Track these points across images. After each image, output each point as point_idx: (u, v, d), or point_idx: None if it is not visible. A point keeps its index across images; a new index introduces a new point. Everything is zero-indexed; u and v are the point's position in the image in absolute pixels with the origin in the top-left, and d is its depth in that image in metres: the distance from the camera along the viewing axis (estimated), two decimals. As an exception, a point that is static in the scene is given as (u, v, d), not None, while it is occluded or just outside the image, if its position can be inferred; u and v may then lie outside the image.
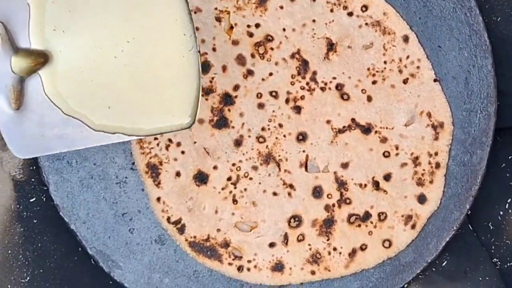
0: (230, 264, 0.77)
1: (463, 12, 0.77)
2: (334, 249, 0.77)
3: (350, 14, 0.77)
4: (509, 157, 0.82)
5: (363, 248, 0.77)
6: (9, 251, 0.77)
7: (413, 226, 0.77)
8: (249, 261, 0.77)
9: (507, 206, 0.81)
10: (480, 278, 0.80)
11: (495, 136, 0.78)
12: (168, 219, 0.77)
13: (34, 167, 0.79)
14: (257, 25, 0.76)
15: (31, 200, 0.79)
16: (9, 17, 0.63)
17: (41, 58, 0.63)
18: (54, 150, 0.66)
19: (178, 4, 0.64)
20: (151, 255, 0.78)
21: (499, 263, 0.82)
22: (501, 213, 0.82)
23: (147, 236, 0.78)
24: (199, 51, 0.65)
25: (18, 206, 0.79)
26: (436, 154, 0.77)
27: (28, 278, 0.78)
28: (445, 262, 0.81)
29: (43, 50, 0.63)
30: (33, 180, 0.79)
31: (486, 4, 0.79)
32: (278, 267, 0.77)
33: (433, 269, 0.80)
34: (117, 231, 0.78)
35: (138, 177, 0.77)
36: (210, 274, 0.78)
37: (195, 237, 0.77)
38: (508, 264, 0.82)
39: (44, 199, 0.79)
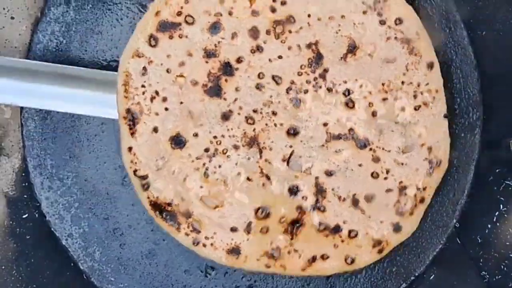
0: (187, 234, 0.74)
1: (448, 27, 0.77)
2: (295, 250, 0.75)
3: (383, 22, 0.74)
4: (497, 171, 0.81)
5: (324, 257, 0.75)
6: (3, 267, 0.79)
7: (380, 251, 0.75)
8: (206, 238, 0.74)
9: (495, 219, 0.82)
10: (468, 292, 0.81)
11: (482, 150, 0.79)
12: (135, 171, 0.74)
13: (26, 184, 0.80)
14: (283, 3, 0.73)
15: (24, 217, 0.80)
16: None
17: None
18: None
19: None
20: (142, 270, 0.80)
21: (487, 276, 0.82)
22: (489, 226, 0.82)
23: (138, 251, 0.80)
24: None
25: (11, 222, 0.80)
26: (424, 189, 0.75)
27: (21, 292, 0.79)
28: (433, 275, 0.80)
29: None
30: (25, 196, 0.80)
31: (470, 18, 0.79)
32: (235, 251, 0.75)
33: (421, 282, 0.80)
34: (108, 247, 0.80)
35: (129, 193, 0.79)
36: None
37: (157, 198, 0.74)
38: (496, 277, 0.82)
39: (37, 215, 0.80)
